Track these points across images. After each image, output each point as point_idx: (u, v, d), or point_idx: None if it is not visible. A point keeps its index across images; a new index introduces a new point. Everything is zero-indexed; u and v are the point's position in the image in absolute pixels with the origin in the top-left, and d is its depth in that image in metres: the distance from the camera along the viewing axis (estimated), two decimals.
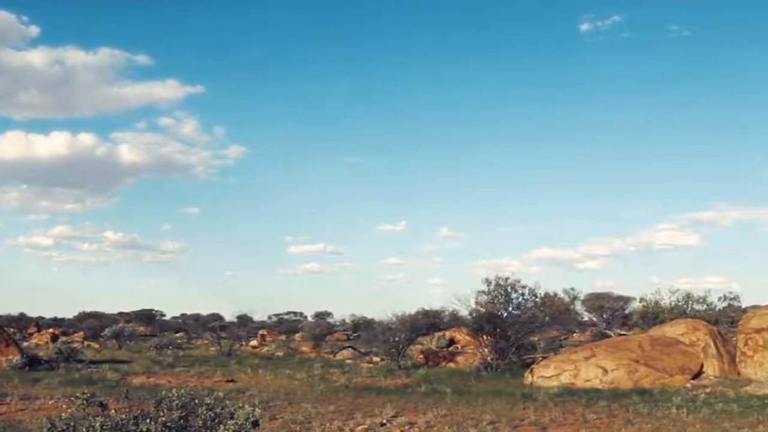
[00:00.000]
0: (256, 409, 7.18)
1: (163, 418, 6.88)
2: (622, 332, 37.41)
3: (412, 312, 40.61)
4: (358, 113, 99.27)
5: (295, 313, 76.39)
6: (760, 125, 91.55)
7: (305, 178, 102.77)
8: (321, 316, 71.84)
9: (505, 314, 26.92)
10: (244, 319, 55.39)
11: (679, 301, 36.88)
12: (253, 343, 45.89)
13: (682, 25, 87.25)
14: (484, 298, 27.20)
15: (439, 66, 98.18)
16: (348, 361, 32.37)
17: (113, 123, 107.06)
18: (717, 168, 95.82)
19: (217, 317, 63.55)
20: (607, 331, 38.91)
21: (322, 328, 51.68)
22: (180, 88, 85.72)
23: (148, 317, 69.74)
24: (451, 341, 39.79)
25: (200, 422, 7.01)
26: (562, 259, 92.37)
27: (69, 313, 70.96)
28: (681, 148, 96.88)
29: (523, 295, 27.14)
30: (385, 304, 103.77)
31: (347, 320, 62.09)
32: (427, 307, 50.71)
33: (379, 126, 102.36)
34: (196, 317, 70.44)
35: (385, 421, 14.03)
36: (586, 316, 48.06)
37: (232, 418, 7.00)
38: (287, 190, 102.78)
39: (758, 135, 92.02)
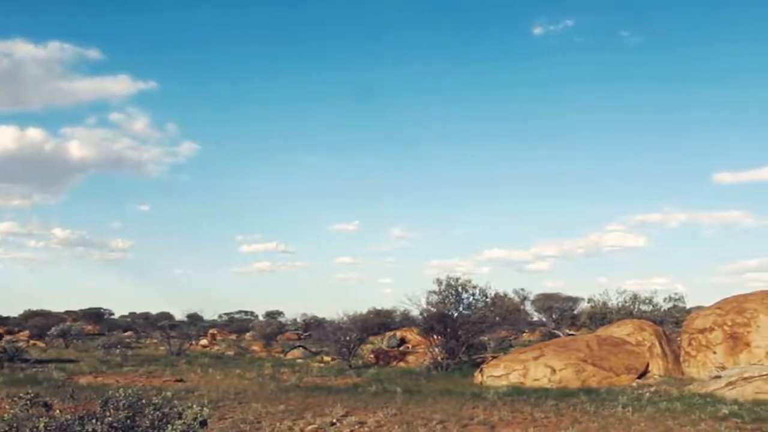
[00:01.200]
0: (205, 409, 7.14)
1: (110, 419, 6.81)
2: (571, 332, 37.88)
3: (364, 311, 40.75)
4: (312, 112, 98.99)
5: (246, 313, 75.93)
6: (708, 129, 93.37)
7: (258, 176, 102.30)
8: (272, 315, 71.43)
9: (456, 314, 27.08)
10: (194, 318, 54.80)
11: (626, 302, 37.41)
12: (203, 342, 45.54)
13: (632, 31, 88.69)
14: (435, 298, 27.34)
15: (394, 67, 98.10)
16: (299, 361, 32.30)
17: (63, 118, 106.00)
18: (665, 171, 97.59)
19: (166, 316, 62.71)
20: (556, 331, 39.33)
21: (273, 328, 51.30)
22: (132, 83, 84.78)
23: (96, 316, 68.61)
24: (402, 341, 39.92)
25: (147, 422, 6.95)
26: (513, 260, 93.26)
27: (14, 311, 69.48)
28: (630, 150, 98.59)
29: (473, 295, 27.34)
30: (337, 304, 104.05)
31: (299, 319, 61.82)
32: (378, 307, 50.90)
33: (333, 125, 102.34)
34: (146, 316, 69.42)
35: (335, 421, 14.03)
36: (535, 317, 48.57)
37: (180, 418, 6.95)
38: (240, 189, 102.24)
39: (705, 139, 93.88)
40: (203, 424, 7.01)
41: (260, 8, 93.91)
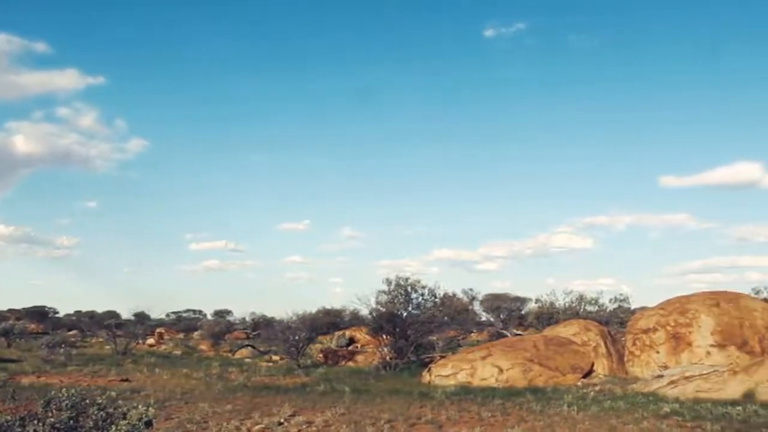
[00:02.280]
0: (150, 409, 7.06)
1: (52, 419, 6.69)
2: (518, 332, 38.23)
3: (313, 311, 40.51)
4: (262, 111, 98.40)
5: (194, 311, 75.21)
6: (655, 134, 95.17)
7: (208, 174, 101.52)
8: (221, 314, 70.86)
9: (405, 314, 27.17)
10: (141, 317, 54.01)
11: (572, 303, 37.90)
12: (150, 341, 44.97)
13: (581, 35, 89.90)
14: (384, 297, 27.41)
15: (346, 67, 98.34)
16: (247, 360, 32.13)
17: (8, 112, 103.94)
18: (613, 174, 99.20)
19: (113, 315, 61.58)
20: (504, 331, 39.69)
21: (221, 327, 50.85)
22: (80, 78, 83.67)
23: (40, 314, 67.21)
24: (352, 340, 39.91)
25: (91, 423, 6.84)
26: (462, 260, 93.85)
27: None
28: (578, 154, 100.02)
29: (422, 295, 27.47)
30: (287, 303, 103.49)
31: (247, 319, 61.40)
32: (328, 306, 50.70)
33: (283, 124, 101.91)
34: (91, 315, 68.23)
35: (282, 420, 13.98)
36: (483, 317, 48.88)
37: (124, 418, 6.87)
38: (189, 186, 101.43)
39: (652, 143, 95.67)
40: (148, 424, 6.93)
41: (209, 6, 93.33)
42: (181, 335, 54.14)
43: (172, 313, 73.06)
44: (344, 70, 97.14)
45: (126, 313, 57.96)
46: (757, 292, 35.79)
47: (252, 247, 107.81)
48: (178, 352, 37.24)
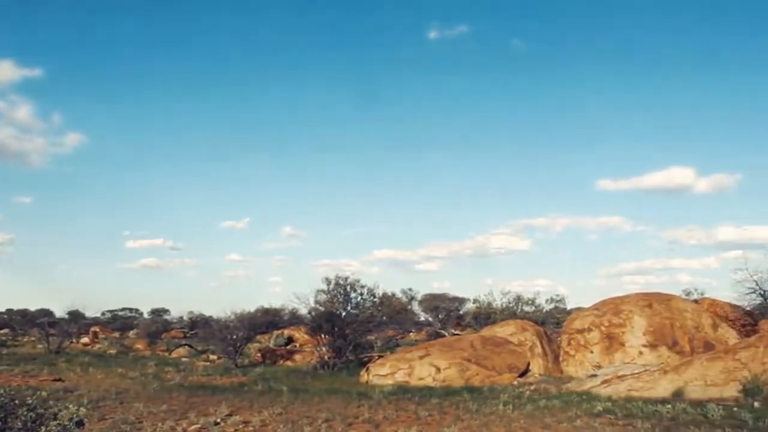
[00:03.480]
0: (82, 409, 6.94)
1: None
2: (456, 332, 38.47)
3: (252, 310, 40.16)
4: (202, 107, 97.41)
5: (130, 310, 73.86)
6: (592, 138, 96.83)
7: (147, 170, 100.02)
8: (158, 312, 69.79)
9: (344, 313, 27.19)
10: (75, 316, 52.89)
11: (510, 303, 38.26)
12: (85, 340, 44.13)
13: (523, 39, 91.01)
14: (323, 297, 27.37)
15: (286, 66, 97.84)
16: (184, 359, 31.77)
17: None
18: (551, 177, 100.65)
19: (46, 313, 60.19)
20: (442, 331, 39.91)
21: (158, 326, 50.10)
22: (16, 70, 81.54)
23: None
24: (290, 340, 39.76)
25: (20, 424, 6.70)
26: (402, 261, 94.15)
27: None
28: (518, 156, 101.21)
29: (361, 294, 27.52)
30: (225, 302, 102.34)
31: (185, 318, 60.63)
32: (267, 305, 50.40)
33: (223, 121, 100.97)
34: (24, 313, 66.58)
35: (219, 420, 13.86)
36: (422, 316, 49.03)
37: (55, 418, 6.74)
38: (127, 183, 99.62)
39: (589, 147, 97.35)
40: (80, 424, 6.82)
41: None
42: (116, 334, 53.06)
43: (108, 311, 71.69)
44: (284, 69, 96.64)
45: (60, 312, 56.66)
46: (688, 294, 36.62)
47: (191, 245, 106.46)
48: (113, 352, 36.60)
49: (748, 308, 29.68)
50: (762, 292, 29.24)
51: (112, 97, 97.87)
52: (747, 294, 29.40)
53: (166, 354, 35.86)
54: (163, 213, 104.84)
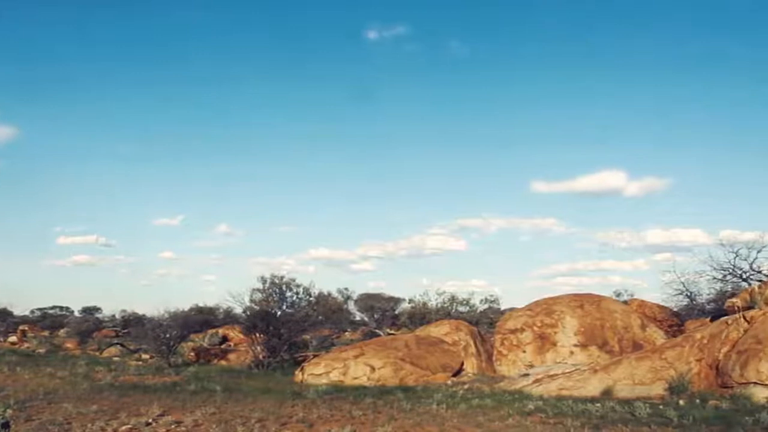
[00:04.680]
0: (8, 410, 6.80)
1: None
2: (391, 332, 38.68)
3: (186, 308, 39.74)
4: (136, 101, 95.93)
5: (60, 308, 72.11)
6: (525, 141, 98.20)
7: (79, 165, 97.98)
8: (89, 311, 68.32)
9: (279, 312, 27.07)
10: (3, 314, 51.59)
11: (444, 303, 38.50)
12: (13, 339, 42.97)
13: (461, 41, 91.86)
14: (258, 295, 27.20)
15: (230, 64, 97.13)
16: (115, 359, 31.22)
17: None
18: (487, 178, 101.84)
19: None
20: (377, 331, 40.09)
21: (89, 324, 49.16)
22: None
23: None
24: (225, 339, 39.48)
25: None
26: (338, 260, 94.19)
27: None
28: (454, 157, 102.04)
29: (297, 293, 27.44)
30: (158, 300, 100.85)
31: (117, 316, 59.48)
32: (201, 304, 49.92)
33: (158, 116, 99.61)
34: None
35: (150, 421, 13.66)
36: (358, 316, 49.12)
37: None
38: (60, 178, 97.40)
39: (523, 150, 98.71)
40: (5, 426, 6.70)
41: None
42: (46, 333, 51.89)
43: (37, 309, 69.78)
44: (217, 68, 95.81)
45: None
46: (618, 295, 37.52)
47: (124, 242, 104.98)
48: (42, 351, 35.74)
49: (675, 309, 30.49)
50: (689, 294, 30.05)
51: (46, 91, 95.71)
52: (674, 295, 30.21)
53: (97, 353, 35.17)
54: (96, 209, 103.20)
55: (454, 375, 22.59)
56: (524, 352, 24.10)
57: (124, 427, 13.06)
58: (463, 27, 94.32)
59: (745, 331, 17.58)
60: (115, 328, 53.04)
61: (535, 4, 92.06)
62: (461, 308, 37.81)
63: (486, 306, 39.73)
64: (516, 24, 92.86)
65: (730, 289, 26.75)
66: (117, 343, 38.06)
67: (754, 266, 26.46)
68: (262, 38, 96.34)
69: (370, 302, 46.65)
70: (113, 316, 60.73)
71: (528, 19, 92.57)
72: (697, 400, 15.54)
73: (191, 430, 12.90)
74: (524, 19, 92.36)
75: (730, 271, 27.28)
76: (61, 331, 52.19)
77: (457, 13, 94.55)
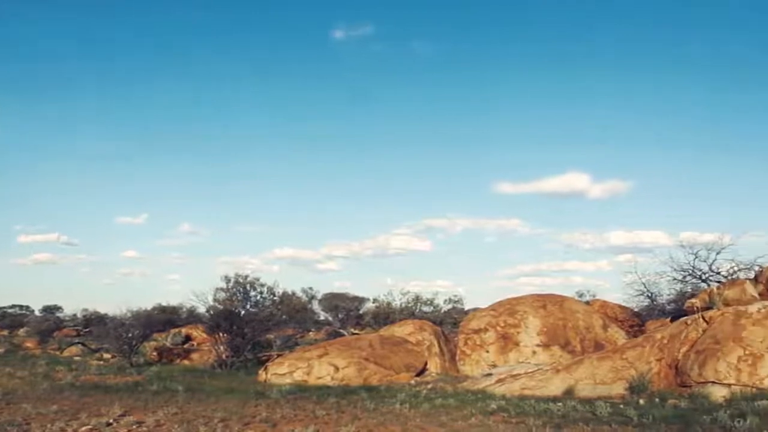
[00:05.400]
0: None
1: None
2: (356, 331, 38.70)
3: (149, 308, 39.38)
4: (101, 96, 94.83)
5: (20, 307, 71.24)
6: (491, 141, 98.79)
7: (41, 163, 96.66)
8: (50, 310, 67.47)
9: (243, 312, 26.96)
10: None
11: (409, 303, 38.68)
12: None
13: (425, 41, 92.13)
14: (222, 295, 27.08)
15: (189, 63, 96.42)
16: (76, 358, 30.90)
17: None
18: (453, 178, 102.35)
19: None
20: (341, 330, 40.09)
21: (50, 323, 48.60)
22: None
23: None
24: (188, 338, 39.24)
25: None
26: (303, 259, 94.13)
27: None
28: (420, 158, 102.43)
29: (261, 293, 27.39)
30: (121, 299, 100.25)
31: (78, 315, 58.78)
32: (164, 303, 49.55)
33: (121, 116, 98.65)
34: None
35: (111, 421, 13.53)
36: (322, 315, 49.06)
37: None
38: (20, 175, 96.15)
39: (489, 150, 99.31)
40: None
41: None
42: (5, 332, 51.32)
43: None
44: (184, 66, 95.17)
45: None
46: (581, 295, 37.85)
47: (86, 240, 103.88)
48: (1, 350, 35.28)
49: (636, 309, 30.90)
50: (649, 294, 30.49)
51: (5, 89, 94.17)
52: (636, 296, 30.65)
53: (58, 353, 34.81)
54: (58, 208, 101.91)
55: (418, 375, 22.65)
56: (487, 351, 24.24)
57: (84, 428, 12.92)
58: (429, 27, 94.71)
59: (704, 331, 17.84)
60: (76, 328, 52.47)
61: (500, 4, 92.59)
62: (425, 308, 38.02)
63: (450, 306, 40.01)
64: (481, 25, 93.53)
65: (689, 290, 27.18)
66: (78, 343, 37.69)
67: (713, 267, 26.93)
68: (229, 38, 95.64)
69: (335, 302, 46.61)
70: (74, 315, 60.02)
71: (493, 20, 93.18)
72: (657, 399, 15.73)
73: (153, 431, 12.80)
74: (490, 20, 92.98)
75: (690, 272, 27.73)
76: (21, 330, 51.60)
77: (423, 13, 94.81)
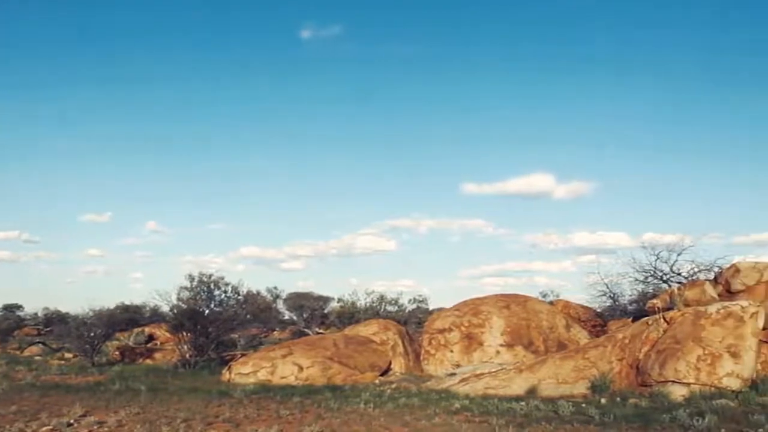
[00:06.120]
0: None
1: None
2: (320, 331, 38.63)
3: (111, 306, 38.96)
4: (65, 91, 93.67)
5: None
6: (457, 142, 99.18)
7: (2, 159, 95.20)
8: (9, 308, 66.29)
9: (207, 311, 26.78)
10: None
11: (373, 303, 38.68)
12: None
13: (395, 41, 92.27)
14: (186, 294, 26.86)
15: (164, 63, 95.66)
16: (37, 358, 30.56)
17: None
18: (419, 179, 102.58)
19: None
20: (306, 330, 39.99)
21: (10, 322, 47.96)
22: None
23: None
24: (151, 337, 38.93)
25: None
26: (268, 259, 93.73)
27: None
28: (386, 157, 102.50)
29: (225, 292, 27.20)
30: (83, 298, 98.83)
31: (39, 314, 57.96)
32: (127, 302, 49.08)
33: (83, 112, 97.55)
34: None
35: (72, 421, 13.39)
36: (287, 315, 48.88)
37: None
38: None
39: (455, 151, 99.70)
40: None
41: None
42: None
43: None
44: (151, 65, 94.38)
45: None
46: (544, 296, 38.13)
47: (48, 238, 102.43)
48: None
49: (598, 310, 31.25)
50: (612, 295, 30.85)
51: None
52: (598, 296, 31.01)
53: (18, 352, 34.38)
54: (20, 205, 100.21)
55: (382, 374, 22.69)
56: (452, 351, 24.35)
57: (44, 428, 12.79)
58: (397, 28, 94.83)
59: (665, 331, 18.09)
60: (37, 327, 51.77)
61: (466, 6, 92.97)
62: (390, 308, 38.03)
63: (414, 306, 40.03)
64: (449, 26, 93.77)
65: (651, 291, 27.54)
66: (39, 342, 37.23)
67: (674, 269, 27.33)
68: (199, 38, 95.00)
69: (300, 301, 46.45)
70: (35, 314, 59.19)
71: (460, 21, 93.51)
72: (618, 399, 15.93)
73: (114, 431, 12.69)
74: (457, 21, 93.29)
75: (652, 273, 28.11)
76: None
77: (392, 14, 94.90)
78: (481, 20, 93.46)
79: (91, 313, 30.28)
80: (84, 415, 14.06)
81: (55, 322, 50.05)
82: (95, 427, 12.97)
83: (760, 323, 17.61)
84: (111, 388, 19.05)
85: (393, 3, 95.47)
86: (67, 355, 30.82)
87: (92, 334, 28.15)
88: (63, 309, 53.39)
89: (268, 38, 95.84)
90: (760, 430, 11.76)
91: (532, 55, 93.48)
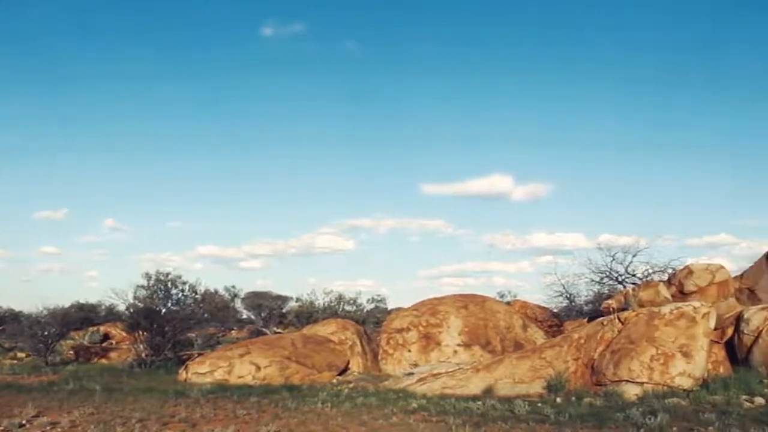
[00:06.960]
0: None
1: None
2: (279, 330, 38.52)
3: (66, 305, 38.39)
4: (21, 94, 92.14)
5: None
6: (417, 142, 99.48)
7: None
8: None
9: (164, 310, 26.56)
10: None
11: (332, 302, 38.71)
12: None
13: (356, 40, 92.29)
14: (143, 292, 26.61)
15: (118, 60, 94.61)
16: None
17: None
18: (378, 178, 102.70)
19: None
20: (264, 329, 39.84)
21: None
22: None
23: None
24: (106, 336, 38.50)
25: None
26: (226, 258, 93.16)
27: None
28: (346, 156, 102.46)
29: (183, 291, 27.02)
30: (37, 297, 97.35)
31: None
32: (83, 301, 48.44)
33: (40, 110, 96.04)
34: None
35: (24, 422, 13.18)
36: (245, 314, 48.62)
37: None
38: None
39: (415, 151, 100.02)
40: None
41: None
42: None
43: None
44: (116, 63, 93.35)
45: None
46: (502, 296, 38.46)
47: (1, 235, 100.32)
48: None
49: (555, 310, 31.59)
50: (568, 295, 31.22)
51: None
52: (555, 297, 31.37)
53: None
54: None
55: (340, 374, 22.71)
56: (409, 351, 24.43)
57: None
58: (357, 27, 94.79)
59: (619, 331, 18.35)
60: None
61: (427, 5, 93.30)
62: (348, 307, 38.09)
63: (373, 305, 40.17)
64: (410, 25, 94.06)
65: (606, 291, 27.93)
66: None
67: (629, 270, 27.78)
68: (158, 37, 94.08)
69: (258, 300, 46.23)
70: None
71: (420, 20, 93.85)
72: (574, 398, 16.12)
73: (68, 431, 12.54)
74: (418, 20, 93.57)
75: (607, 274, 28.53)
76: None
77: (352, 13, 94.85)
78: (438, 19, 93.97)
79: (45, 312, 29.84)
80: (36, 416, 13.85)
81: (7, 321, 49.12)
82: (48, 427, 12.78)
83: (712, 323, 17.98)
84: (65, 387, 18.78)
85: (354, 2, 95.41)
86: (20, 355, 30.34)
87: (46, 333, 27.78)
88: (16, 307, 52.52)
89: (228, 36, 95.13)
90: (710, 428, 11.99)
91: (492, 54, 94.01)
